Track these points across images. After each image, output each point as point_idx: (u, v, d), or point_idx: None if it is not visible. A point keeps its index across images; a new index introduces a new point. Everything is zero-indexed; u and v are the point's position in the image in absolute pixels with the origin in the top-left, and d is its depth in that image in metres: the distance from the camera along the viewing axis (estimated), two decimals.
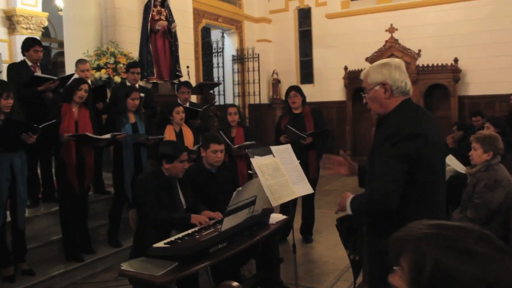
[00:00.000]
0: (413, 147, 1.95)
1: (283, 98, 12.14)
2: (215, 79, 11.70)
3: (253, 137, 5.23)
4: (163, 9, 7.76)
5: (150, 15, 7.58)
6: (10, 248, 4.06)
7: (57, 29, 11.75)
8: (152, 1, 7.56)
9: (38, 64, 5.26)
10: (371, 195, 2.00)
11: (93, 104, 5.33)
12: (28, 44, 5.14)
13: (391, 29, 10.88)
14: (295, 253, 3.47)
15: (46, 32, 11.81)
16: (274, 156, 3.14)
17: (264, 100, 12.43)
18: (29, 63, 5.13)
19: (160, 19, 7.64)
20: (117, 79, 6.98)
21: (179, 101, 5.81)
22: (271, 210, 3.58)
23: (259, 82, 12.16)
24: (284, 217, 3.68)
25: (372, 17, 11.66)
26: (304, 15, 12.81)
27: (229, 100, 11.75)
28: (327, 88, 12.30)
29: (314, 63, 12.69)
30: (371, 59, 10.87)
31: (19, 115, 4.02)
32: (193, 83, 7.91)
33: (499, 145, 3.34)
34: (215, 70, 12.10)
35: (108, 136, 4.52)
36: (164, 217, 3.28)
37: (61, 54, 11.88)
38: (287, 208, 4.15)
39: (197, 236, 3.01)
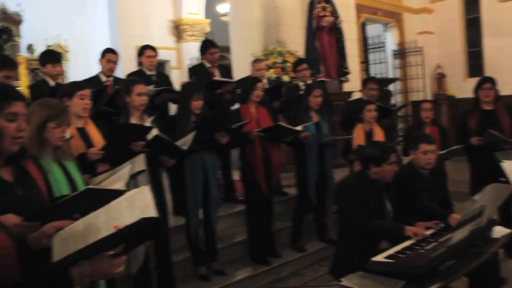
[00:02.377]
0: None
1: (449, 93, 11.24)
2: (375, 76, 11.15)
3: (449, 139, 4.63)
4: (327, 5, 7.48)
5: (315, 12, 7.37)
6: (202, 247, 4.08)
7: (216, 34, 12.22)
8: None
9: (216, 65, 5.33)
10: None
11: (269, 103, 5.24)
12: (204, 47, 5.29)
13: None
14: None
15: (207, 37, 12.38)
16: None
17: (428, 96, 11.50)
18: (207, 65, 5.24)
19: (325, 16, 7.38)
20: (286, 78, 6.89)
21: (364, 98, 5.37)
22: (494, 221, 3.03)
23: (423, 77, 11.29)
24: (508, 230, 3.10)
25: None
26: (471, 1, 11.57)
27: None
28: (502, 80, 10.80)
29: (485, 53, 11.37)
30: None
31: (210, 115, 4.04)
32: (358, 81, 7.52)
33: None
34: (372, 67, 11.53)
35: (300, 127, 4.31)
36: (376, 226, 2.94)
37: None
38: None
39: (422, 251, 2.60)
